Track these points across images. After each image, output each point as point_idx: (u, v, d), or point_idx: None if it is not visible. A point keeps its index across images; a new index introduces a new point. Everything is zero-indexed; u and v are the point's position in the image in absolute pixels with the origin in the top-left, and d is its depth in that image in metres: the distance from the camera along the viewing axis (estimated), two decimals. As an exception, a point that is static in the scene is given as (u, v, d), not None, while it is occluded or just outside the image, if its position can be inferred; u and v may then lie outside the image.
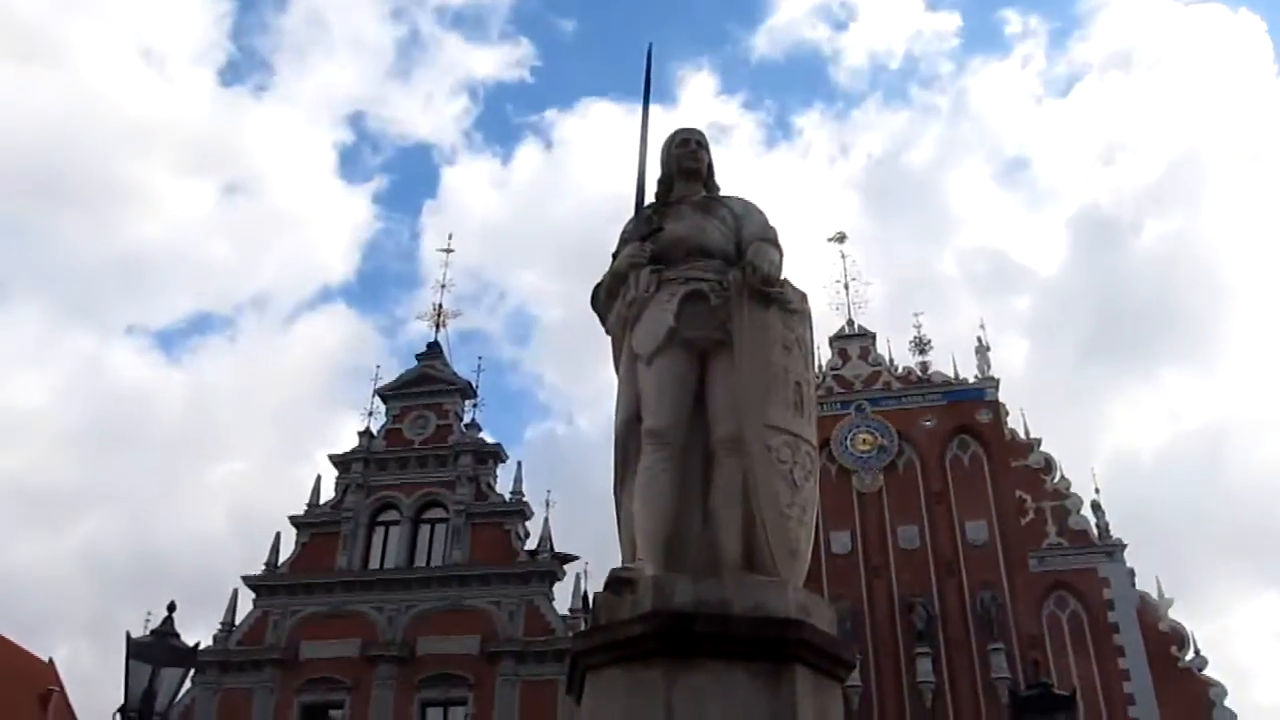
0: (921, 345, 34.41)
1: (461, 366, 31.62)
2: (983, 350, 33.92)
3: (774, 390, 4.98)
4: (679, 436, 5.03)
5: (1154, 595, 30.42)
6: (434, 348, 31.36)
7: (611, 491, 5.36)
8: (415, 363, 31.27)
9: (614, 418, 5.44)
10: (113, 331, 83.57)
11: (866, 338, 34.85)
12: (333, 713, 26.47)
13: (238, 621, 27.65)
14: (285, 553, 28.60)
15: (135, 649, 9.15)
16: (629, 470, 5.17)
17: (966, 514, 31.42)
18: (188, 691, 26.10)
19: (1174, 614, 30.10)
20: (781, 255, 5.45)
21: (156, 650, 9.14)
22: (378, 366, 33.59)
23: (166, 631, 9.40)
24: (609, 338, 5.74)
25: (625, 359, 5.42)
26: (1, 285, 78.54)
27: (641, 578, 4.58)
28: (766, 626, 4.36)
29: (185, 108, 75.68)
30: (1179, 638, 29.89)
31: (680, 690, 4.18)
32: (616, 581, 4.62)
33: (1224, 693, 28.80)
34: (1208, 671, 29.22)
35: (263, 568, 28.26)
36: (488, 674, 25.70)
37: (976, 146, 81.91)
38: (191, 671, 11.40)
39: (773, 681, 4.25)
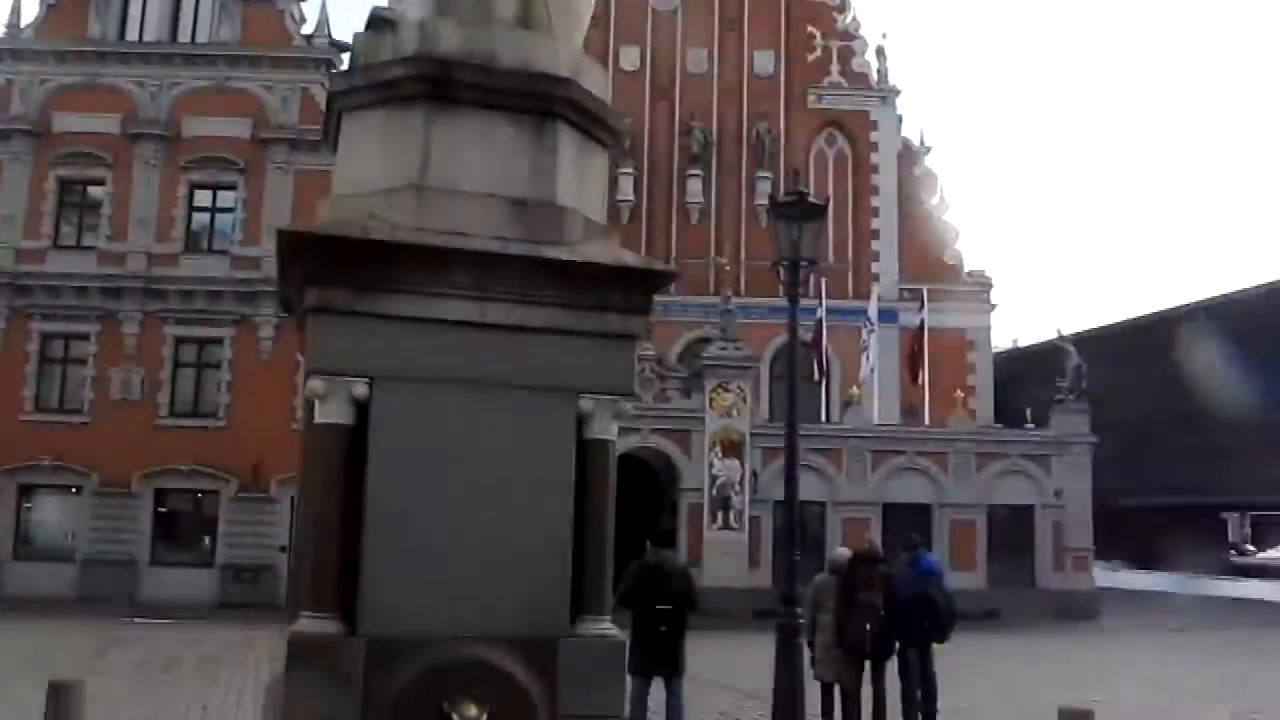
0: None
1: None
2: None
3: None
4: None
5: (916, 143, 32.24)
6: None
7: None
8: None
9: None
10: None
11: None
12: (92, 190, 25.59)
13: (-22, 87, 25.59)
14: (29, 17, 26.09)
15: None
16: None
17: (757, 43, 31.55)
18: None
19: (930, 162, 32.18)
20: None
21: None
22: None
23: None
24: None
25: None
26: None
27: (405, 19, 4.30)
28: (534, 81, 4.24)
29: None
30: (930, 183, 32.22)
31: (439, 133, 4.10)
32: (378, 21, 4.32)
33: (957, 235, 31.70)
34: (947, 216, 31.91)
35: (3, 29, 25.78)
36: (259, 159, 25.17)
37: None
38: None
39: (536, 133, 4.21)
